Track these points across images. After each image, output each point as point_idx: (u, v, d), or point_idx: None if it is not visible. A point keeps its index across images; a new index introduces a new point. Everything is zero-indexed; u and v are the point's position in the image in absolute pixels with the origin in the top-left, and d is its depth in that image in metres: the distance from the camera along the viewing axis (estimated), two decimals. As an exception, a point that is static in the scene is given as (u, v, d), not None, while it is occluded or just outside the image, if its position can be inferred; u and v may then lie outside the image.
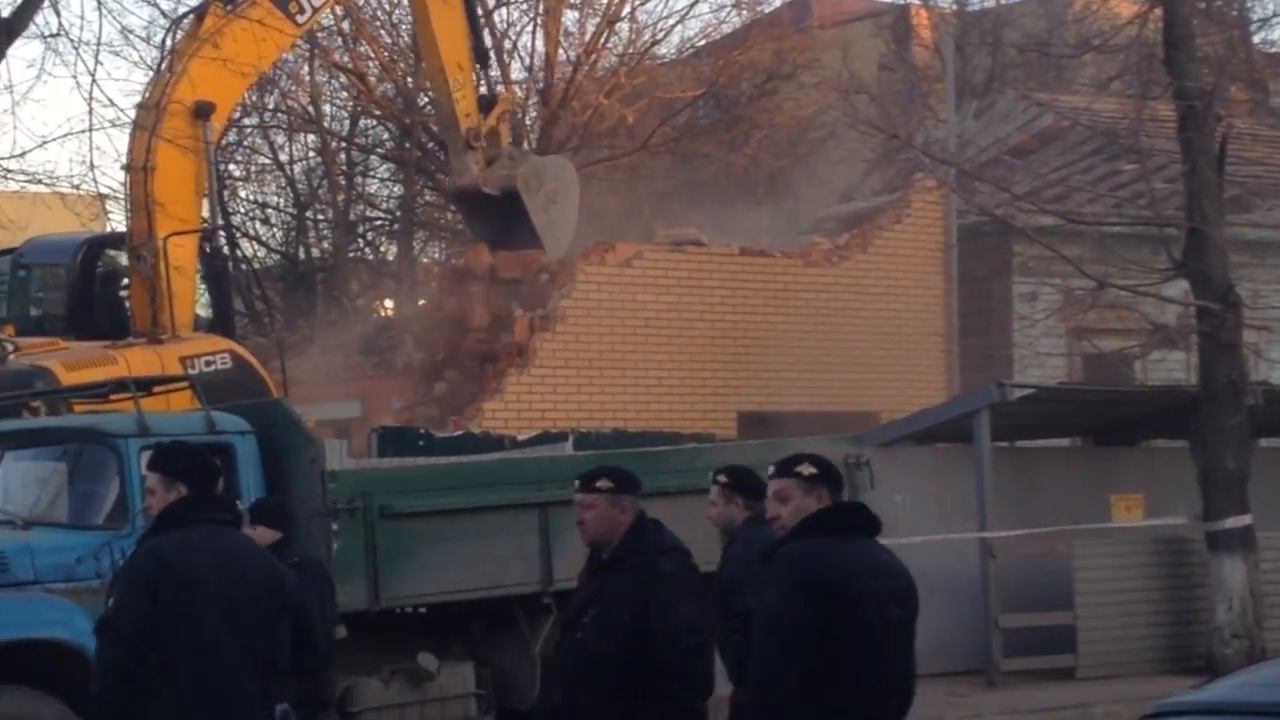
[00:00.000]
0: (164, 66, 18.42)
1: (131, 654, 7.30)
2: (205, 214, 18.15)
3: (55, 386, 14.67)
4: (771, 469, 6.73)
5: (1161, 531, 20.10)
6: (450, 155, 22.79)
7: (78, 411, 13.78)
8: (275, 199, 33.80)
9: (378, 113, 31.43)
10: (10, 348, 15.65)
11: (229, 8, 18.18)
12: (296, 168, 33.59)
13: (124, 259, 18.78)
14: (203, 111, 17.51)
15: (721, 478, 9.69)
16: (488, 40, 24.10)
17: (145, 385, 13.46)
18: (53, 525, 11.86)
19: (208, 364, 16.08)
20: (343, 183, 33.11)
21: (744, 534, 9.55)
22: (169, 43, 18.66)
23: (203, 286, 18.55)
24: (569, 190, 23.08)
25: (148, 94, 18.08)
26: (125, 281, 18.68)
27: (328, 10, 20.83)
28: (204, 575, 7.29)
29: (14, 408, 13.81)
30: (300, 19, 18.90)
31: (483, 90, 21.89)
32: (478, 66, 21.71)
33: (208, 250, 17.94)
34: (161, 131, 17.25)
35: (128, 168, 17.73)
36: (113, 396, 13.46)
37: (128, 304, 18.34)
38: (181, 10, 27.05)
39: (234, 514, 7.67)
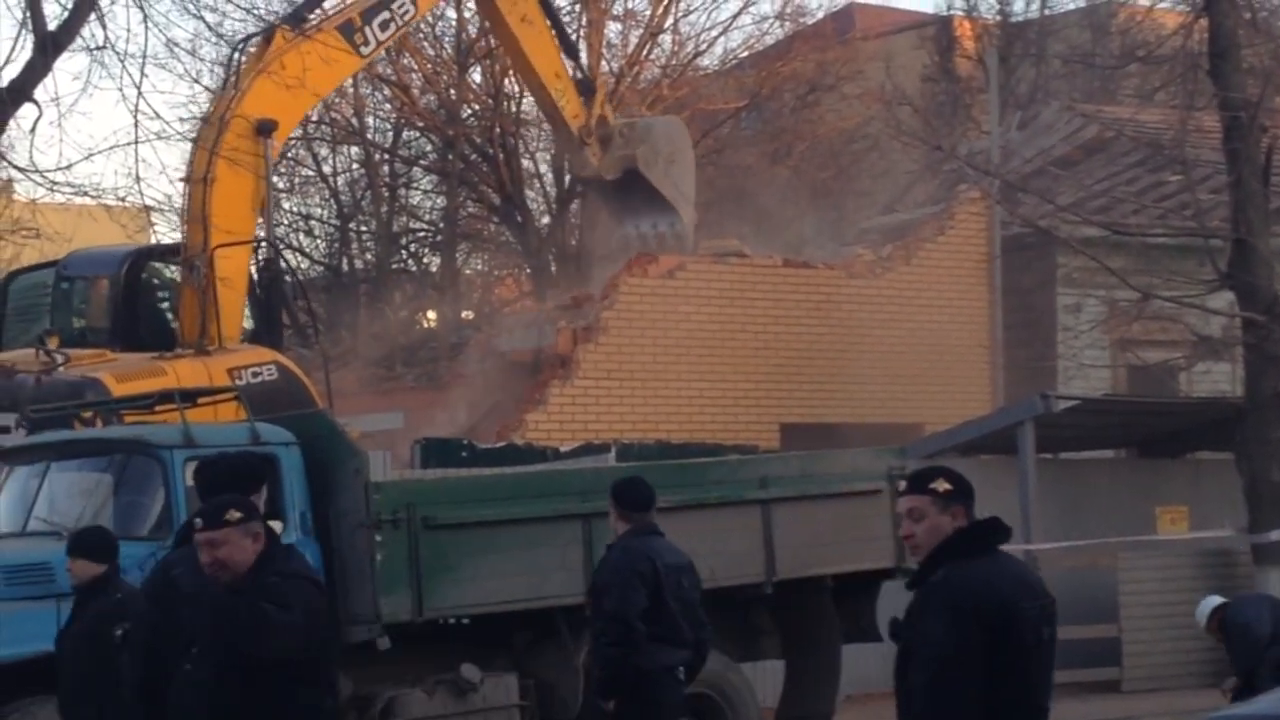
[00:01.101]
0: (229, 84, 18.65)
1: (141, 664, 7.36)
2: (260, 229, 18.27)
3: (106, 397, 14.72)
4: (903, 484, 6.44)
5: (1207, 544, 20.03)
6: (568, 153, 23.58)
7: (127, 423, 13.82)
8: (319, 211, 33.89)
9: (421, 125, 31.48)
10: (60, 359, 15.71)
11: (295, 32, 18.41)
12: (340, 180, 33.68)
13: (168, 271, 18.86)
14: (264, 129, 17.72)
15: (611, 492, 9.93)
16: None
17: (191, 397, 13.50)
18: (98, 536, 11.89)
19: (254, 375, 16.13)
20: (386, 194, 33.17)
21: (622, 542, 9.74)
22: (234, 62, 18.92)
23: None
24: (684, 148, 23.85)
25: (211, 109, 18.24)
26: (168, 294, 18.74)
27: (391, 43, 21.20)
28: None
29: (65, 418, 13.88)
30: (364, 50, 19.39)
31: (577, 75, 22.45)
32: (569, 62, 22.19)
33: (260, 263, 18.01)
34: (222, 146, 17.39)
35: (187, 180, 17.87)
36: (159, 408, 13.49)
37: (171, 316, 18.41)
38: (227, 24, 27.46)
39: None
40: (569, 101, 22.09)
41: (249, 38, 19.36)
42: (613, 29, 30.74)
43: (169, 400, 13.10)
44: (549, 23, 21.85)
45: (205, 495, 7.71)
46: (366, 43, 19.18)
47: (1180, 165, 21.51)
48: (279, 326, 18.30)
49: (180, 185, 18.22)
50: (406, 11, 19.82)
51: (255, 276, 18.12)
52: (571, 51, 22.52)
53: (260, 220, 18.23)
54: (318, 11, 19.23)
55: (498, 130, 29.77)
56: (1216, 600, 14.35)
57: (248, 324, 18.35)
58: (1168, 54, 23.28)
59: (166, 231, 30.55)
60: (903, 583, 14.60)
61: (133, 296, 18.31)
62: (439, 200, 33.67)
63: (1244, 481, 19.00)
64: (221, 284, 17.22)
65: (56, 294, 18.55)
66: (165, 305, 18.67)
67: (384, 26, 19.38)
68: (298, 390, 16.36)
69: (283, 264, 18.17)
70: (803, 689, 14.24)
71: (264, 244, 17.30)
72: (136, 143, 17.04)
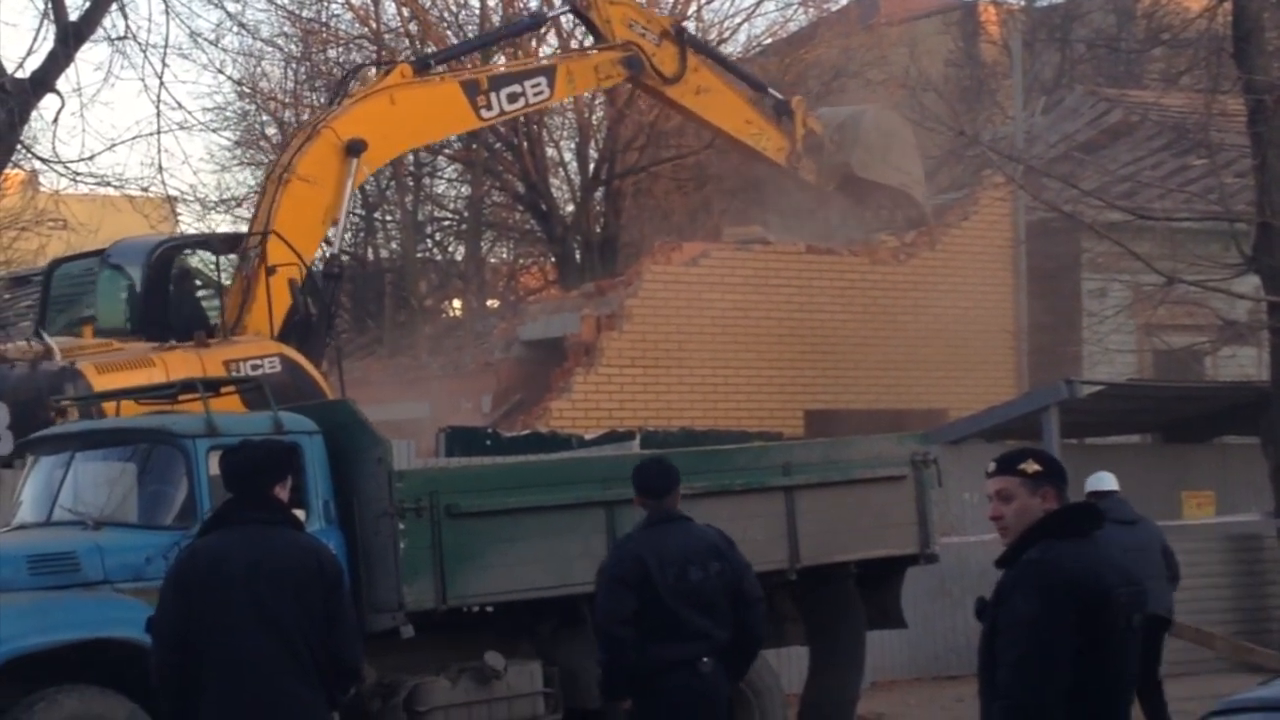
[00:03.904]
0: (335, 102, 18.71)
1: (169, 653, 7.40)
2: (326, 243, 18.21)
3: (85, 390, 14.74)
4: (992, 465, 6.36)
5: (1233, 528, 19.98)
6: (790, 179, 23.32)
7: (132, 414, 13.80)
8: (344, 200, 33.89)
9: (445, 113, 31.49)
10: (56, 349, 15.72)
11: (417, 75, 18.33)
12: (365, 169, 33.65)
13: (199, 262, 18.85)
14: (354, 149, 17.49)
15: None
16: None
17: (214, 386, 13.53)
18: (122, 525, 11.94)
19: (254, 368, 15.92)
20: (411, 183, 33.19)
21: (624, 539, 10.06)
22: (344, 87, 19.07)
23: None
24: (898, 131, 23.69)
25: (309, 119, 18.27)
26: (199, 283, 18.73)
27: (515, 115, 21.01)
28: (234, 575, 7.37)
29: (45, 411, 13.95)
30: (485, 114, 19.03)
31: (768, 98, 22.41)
32: (759, 98, 22.13)
33: (320, 268, 17.96)
34: (305, 154, 17.33)
35: (267, 177, 17.92)
36: (182, 398, 13.50)
37: (203, 305, 18.40)
38: (249, 14, 27.47)
39: (281, 513, 7.65)
40: (770, 140, 22.03)
41: (359, 67, 19.39)
42: (636, 16, 30.68)
43: (192, 390, 13.12)
44: (721, 72, 21.53)
45: (231, 484, 7.71)
46: (489, 107, 18.84)
47: (1205, 149, 21.44)
48: (322, 325, 17.97)
49: (203, 176, 18.34)
50: (541, 93, 19.42)
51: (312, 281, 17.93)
52: (758, 86, 22.27)
53: (331, 235, 18.00)
54: (447, 64, 19.33)
55: (522, 118, 29.76)
56: (1109, 484, 14.31)
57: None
58: (1192, 37, 23.19)
59: (190, 222, 30.66)
60: (926, 566, 14.66)
61: (160, 286, 18.27)
62: (464, 189, 33.69)
63: (1270, 466, 18.94)
64: (258, 279, 17.14)
65: (101, 282, 18.56)
66: (200, 296, 18.61)
67: (512, 99, 19.07)
68: (305, 383, 16.11)
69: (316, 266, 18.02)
70: (827, 675, 14.21)
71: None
72: (159, 133, 17.12)
